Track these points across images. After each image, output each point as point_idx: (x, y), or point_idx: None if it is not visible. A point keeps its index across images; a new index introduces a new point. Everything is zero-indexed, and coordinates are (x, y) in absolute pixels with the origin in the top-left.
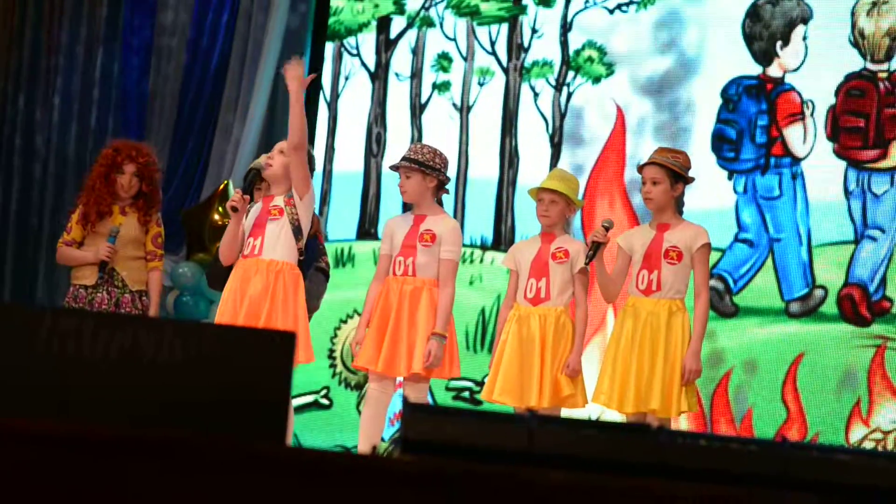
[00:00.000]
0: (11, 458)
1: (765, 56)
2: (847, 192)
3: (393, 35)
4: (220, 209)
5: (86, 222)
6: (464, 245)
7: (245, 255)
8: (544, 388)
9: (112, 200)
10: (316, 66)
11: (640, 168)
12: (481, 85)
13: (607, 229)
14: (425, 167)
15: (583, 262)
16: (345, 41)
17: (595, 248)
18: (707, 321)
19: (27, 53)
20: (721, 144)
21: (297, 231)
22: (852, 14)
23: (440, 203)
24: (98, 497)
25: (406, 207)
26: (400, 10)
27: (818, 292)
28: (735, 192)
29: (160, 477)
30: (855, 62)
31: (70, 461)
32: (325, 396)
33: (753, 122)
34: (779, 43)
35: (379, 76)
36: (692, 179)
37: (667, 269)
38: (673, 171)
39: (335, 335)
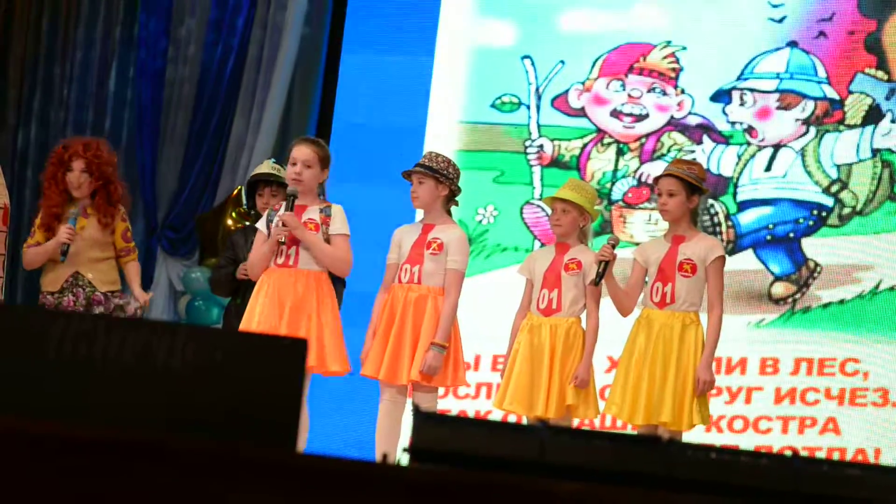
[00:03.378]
0: (23, 460)
1: None
2: None
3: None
4: (234, 214)
5: (46, 227)
6: None
7: (279, 264)
8: (552, 397)
9: (63, 201)
10: (330, 74)
11: (656, 180)
12: None
13: (613, 247)
14: (439, 174)
15: (593, 276)
16: None
17: (603, 267)
18: (720, 333)
19: (42, 57)
20: None
21: (328, 243)
22: None
23: (450, 213)
24: (107, 501)
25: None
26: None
27: None
28: None
29: (169, 482)
30: None
31: (81, 465)
32: None
33: None
34: None
35: None
36: (708, 191)
37: (680, 282)
38: (689, 183)
39: None
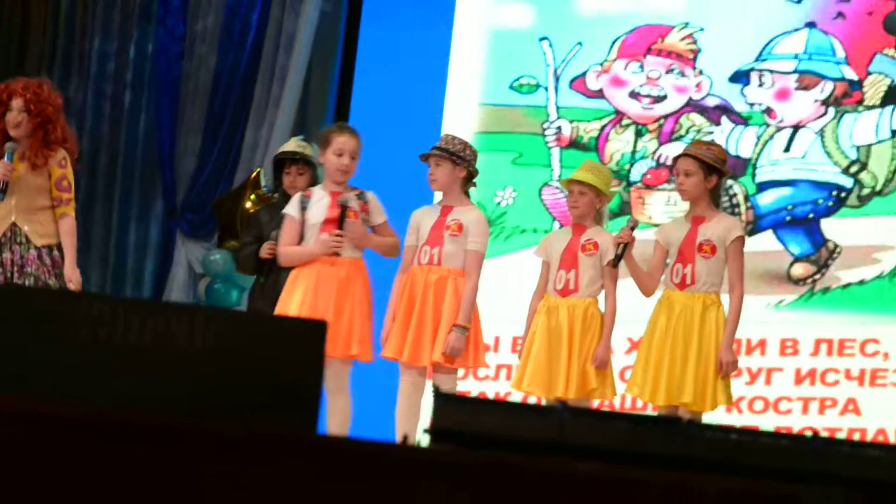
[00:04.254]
0: (43, 444)
1: None
2: None
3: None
4: (252, 197)
5: None
6: None
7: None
8: (571, 379)
9: (2, 140)
10: (348, 56)
11: (674, 160)
12: None
13: (632, 229)
14: (456, 157)
15: (612, 253)
16: None
17: (622, 249)
18: (740, 314)
19: (62, 35)
20: None
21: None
22: None
23: (468, 195)
24: (128, 483)
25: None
26: None
27: None
28: None
29: (189, 465)
30: None
31: (101, 448)
32: None
33: None
34: None
35: None
36: (729, 172)
37: (700, 263)
38: (706, 164)
39: None
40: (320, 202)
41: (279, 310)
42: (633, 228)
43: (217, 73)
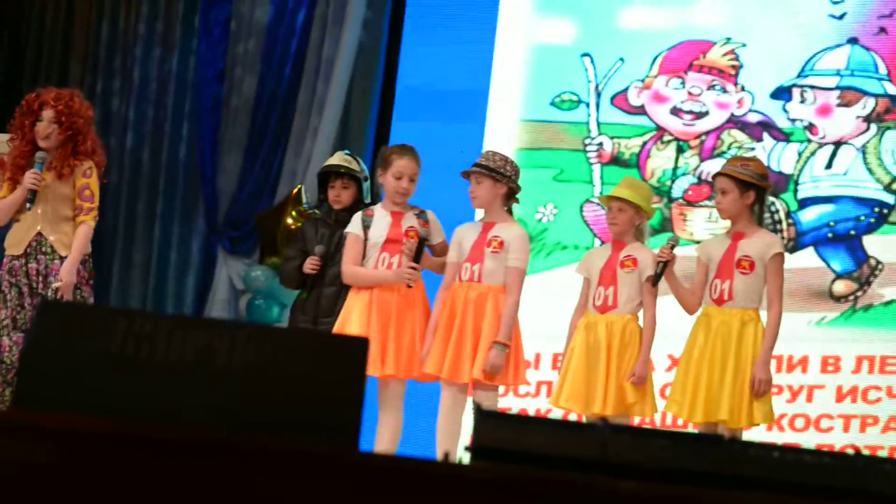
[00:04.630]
0: (86, 459)
1: None
2: None
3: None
4: (293, 213)
5: (12, 180)
6: None
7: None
8: (609, 395)
9: (31, 152)
10: (389, 75)
11: (713, 178)
12: None
13: (672, 247)
14: (496, 173)
15: (651, 270)
16: None
17: (661, 268)
18: (778, 332)
19: (103, 51)
20: None
21: (425, 250)
22: None
23: (510, 212)
24: (168, 499)
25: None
26: None
27: None
28: None
29: (231, 480)
30: None
31: (143, 464)
32: None
33: None
34: None
35: None
36: (770, 186)
37: (738, 279)
38: (742, 181)
39: None
40: (382, 221)
41: (339, 329)
42: (672, 247)
43: (258, 91)
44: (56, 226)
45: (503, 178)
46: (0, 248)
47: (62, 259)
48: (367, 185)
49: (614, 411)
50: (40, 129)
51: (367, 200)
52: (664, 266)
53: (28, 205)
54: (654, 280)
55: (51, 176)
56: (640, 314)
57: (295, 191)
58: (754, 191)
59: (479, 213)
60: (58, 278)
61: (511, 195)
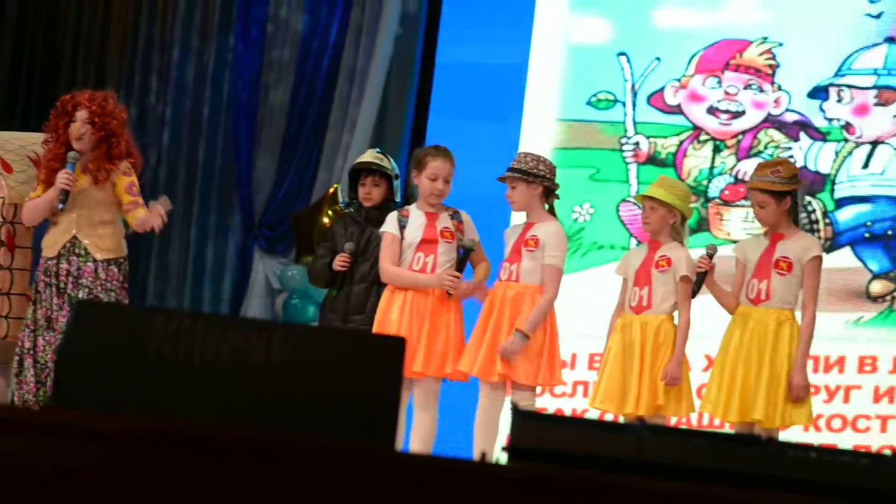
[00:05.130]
0: (124, 458)
1: None
2: None
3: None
4: (330, 213)
5: (47, 181)
6: None
7: (417, 271)
8: (642, 395)
9: (65, 153)
10: (425, 75)
11: (748, 192)
12: None
13: (711, 256)
14: (528, 175)
15: (685, 269)
16: None
17: (701, 278)
18: (812, 335)
19: (141, 51)
20: None
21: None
22: None
23: (552, 210)
24: (208, 498)
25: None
26: None
27: None
28: None
29: (267, 479)
30: None
31: (181, 462)
32: None
33: None
34: None
35: None
36: (803, 183)
37: (776, 280)
38: (778, 191)
39: None
40: (416, 222)
41: (377, 329)
42: (711, 256)
43: (295, 90)
44: (91, 230)
45: (537, 179)
46: (37, 250)
47: (96, 262)
48: (397, 182)
49: (647, 411)
50: (74, 130)
51: (398, 198)
52: (703, 276)
53: (60, 205)
54: (694, 291)
55: (86, 180)
56: (676, 314)
57: (331, 190)
58: (790, 196)
59: (521, 216)
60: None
61: (549, 193)
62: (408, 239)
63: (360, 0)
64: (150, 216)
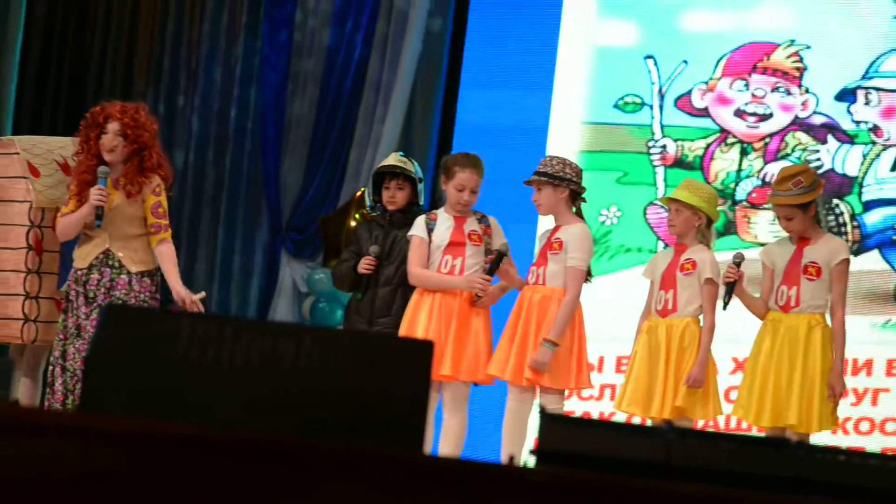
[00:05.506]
0: (153, 462)
1: None
2: None
3: None
4: (357, 216)
5: (79, 195)
6: None
7: (445, 273)
8: (667, 398)
9: (97, 165)
10: (452, 76)
11: (773, 207)
12: None
13: (738, 265)
14: (555, 178)
15: (709, 272)
16: None
17: (730, 288)
18: (845, 337)
19: (167, 60)
20: None
21: (486, 254)
22: None
23: (579, 212)
24: (235, 502)
25: None
26: None
27: None
28: None
29: (297, 484)
30: None
31: (210, 467)
32: None
33: None
34: None
35: None
36: (822, 184)
37: (805, 285)
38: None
39: None
40: (444, 225)
41: (405, 331)
42: (738, 265)
43: (322, 94)
44: (125, 243)
45: (562, 182)
46: (65, 254)
47: (130, 274)
48: (421, 185)
49: (673, 414)
50: (105, 142)
51: (422, 201)
52: (732, 286)
53: (97, 222)
54: (725, 303)
55: (119, 196)
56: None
57: (359, 193)
58: (814, 203)
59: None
60: (183, 301)
61: (575, 196)
62: (435, 242)
63: (386, 12)
64: (170, 261)
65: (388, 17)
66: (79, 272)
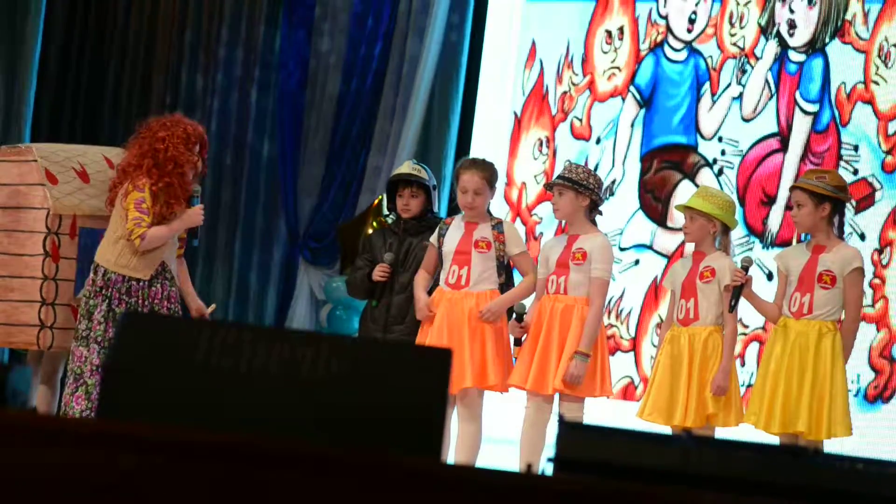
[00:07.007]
0: (172, 468)
1: None
2: None
3: None
4: (375, 224)
5: (169, 208)
6: None
7: (451, 283)
8: (690, 406)
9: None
10: (471, 78)
11: (789, 191)
12: None
13: (746, 269)
14: (578, 185)
15: (729, 279)
16: None
17: (737, 292)
18: (853, 343)
19: (185, 70)
20: None
21: (501, 266)
22: None
23: (594, 223)
24: None
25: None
26: None
27: None
28: None
29: (316, 490)
30: None
31: (229, 473)
32: None
33: None
34: None
35: None
36: (847, 198)
37: (819, 293)
38: (816, 193)
39: None
40: (455, 232)
41: (419, 339)
42: (746, 269)
43: (340, 101)
44: (172, 256)
45: (585, 190)
46: (81, 261)
47: (177, 287)
48: (435, 193)
49: (695, 423)
50: (199, 165)
51: (436, 208)
52: (739, 290)
53: (195, 242)
54: (731, 306)
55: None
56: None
57: (376, 201)
58: (830, 203)
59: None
60: (193, 308)
61: (594, 207)
62: (445, 248)
63: (404, 21)
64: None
65: (406, 26)
66: (134, 283)
